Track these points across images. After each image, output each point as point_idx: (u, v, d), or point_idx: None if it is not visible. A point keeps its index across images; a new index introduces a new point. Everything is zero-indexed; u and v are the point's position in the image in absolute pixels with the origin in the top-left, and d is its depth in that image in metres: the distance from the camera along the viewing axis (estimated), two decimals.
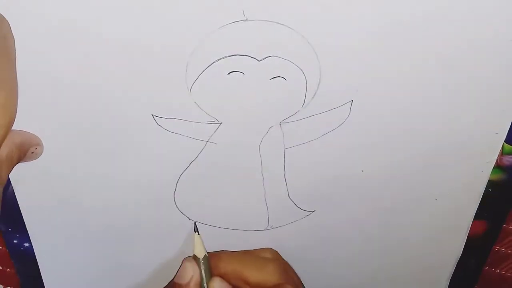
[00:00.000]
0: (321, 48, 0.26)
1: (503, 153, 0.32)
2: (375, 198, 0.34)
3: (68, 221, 0.32)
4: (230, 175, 0.31)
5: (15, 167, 0.25)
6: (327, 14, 0.25)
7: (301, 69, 0.26)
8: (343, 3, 0.24)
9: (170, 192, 0.31)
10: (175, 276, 0.30)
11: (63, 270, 0.35)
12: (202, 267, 0.30)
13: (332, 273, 0.38)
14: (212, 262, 0.30)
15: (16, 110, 0.22)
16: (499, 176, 0.33)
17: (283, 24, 0.25)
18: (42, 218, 0.32)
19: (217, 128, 0.29)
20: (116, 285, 0.37)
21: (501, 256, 0.39)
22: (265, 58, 0.26)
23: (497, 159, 0.32)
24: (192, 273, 0.29)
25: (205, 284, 0.30)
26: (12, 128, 0.22)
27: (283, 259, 0.34)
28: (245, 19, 0.24)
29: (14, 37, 0.23)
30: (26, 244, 0.33)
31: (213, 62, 0.26)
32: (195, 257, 0.30)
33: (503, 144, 0.31)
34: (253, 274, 0.31)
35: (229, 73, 0.26)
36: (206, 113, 0.28)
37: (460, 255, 0.37)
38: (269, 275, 0.31)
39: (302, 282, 0.34)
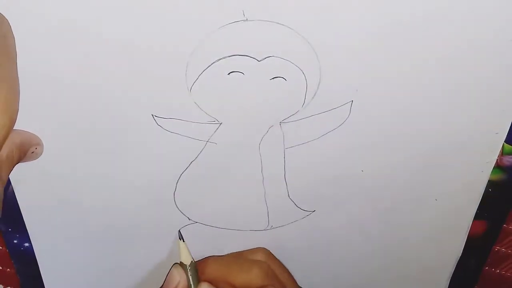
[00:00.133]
0: (321, 48, 0.26)
1: (503, 153, 0.32)
2: (375, 198, 0.34)
3: (68, 221, 0.32)
4: (230, 175, 0.31)
5: (15, 167, 0.25)
6: (327, 14, 0.25)
7: (301, 69, 0.26)
8: (343, 3, 0.24)
9: (170, 192, 0.31)
10: (163, 282, 0.31)
11: (63, 270, 0.35)
12: (189, 273, 0.30)
13: (332, 273, 0.38)
14: (199, 268, 0.31)
15: (18, 110, 0.22)
16: (499, 176, 0.33)
17: (283, 24, 0.25)
18: (42, 218, 0.32)
19: (217, 128, 0.29)
20: (116, 285, 0.37)
21: (501, 256, 0.39)
22: (265, 58, 0.26)
23: (497, 159, 0.32)
24: (178, 278, 0.30)
25: None
26: (13, 128, 0.22)
27: (275, 259, 0.34)
28: (245, 19, 0.24)
29: (14, 37, 0.23)
30: (26, 244, 0.33)
31: (213, 62, 0.26)
32: (181, 264, 0.31)
33: (503, 144, 0.31)
34: (238, 277, 0.31)
35: (229, 73, 0.26)
36: (206, 113, 0.28)
37: (460, 255, 0.37)
38: (254, 277, 0.31)
39: (302, 282, 0.34)
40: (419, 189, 0.34)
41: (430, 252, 0.38)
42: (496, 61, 0.28)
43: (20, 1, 0.23)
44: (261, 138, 0.30)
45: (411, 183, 0.33)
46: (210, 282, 0.31)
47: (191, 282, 0.30)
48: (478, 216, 0.35)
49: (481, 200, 0.34)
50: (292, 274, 0.35)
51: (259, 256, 0.34)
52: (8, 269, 0.36)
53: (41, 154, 0.27)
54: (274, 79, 0.27)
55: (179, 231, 0.32)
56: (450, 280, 0.39)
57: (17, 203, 0.30)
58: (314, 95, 0.28)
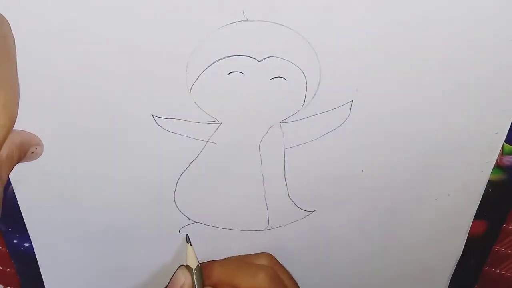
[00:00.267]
0: (321, 48, 0.26)
1: (503, 153, 0.32)
2: (375, 198, 0.34)
3: (68, 221, 0.32)
4: (230, 175, 0.31)
5: (15, 167, 0.25)
6: (327, 14, 0.25)
7: (301, 69, 0.26)
8: (343, 3, 0.24)
9: (170, 192, 0.31)
10: (168, 283, 0.31)
11: (63, 270, 0.35)
12: (195, 276, 0.30)
13: (332, 273, 0.38)
14: (204, 272, 0.31)
15: (17, 110, 0.22)
16: (499, 176, 0.33)
17: (283, 25, 0.25)
18: (42, 218, 0.32)
19: (217, 128, 0.29)
20: (116, 285, 0.37)
21: (501, 256, 0.39)
22: (265, 58, 0.26)
23: (497, 159, 0.32)
24: (184, 280, 0.30)
25: None
26: (13, 128, 0.22)
27: (279, 265, 0.34)
28: (245, 19, 0.24)
29: (14, 37, 0.23)
30: (26, 244, 0.33)
31: (213, 62, 0.26)
32: (188, 267, 0.31)
33: (503, 144, 0.31)
34: (244, 281, 0.31)
35: (229, 73, 0.26)
36: (206, 113, 0.28)
37: (460, 255, 0.37)
38: (260, 281, 0.31)
39: (302, 282, 0.34)
40: (419, 189, 0.34)
41: (430, 252, 0.38)
42: (496, 61, 0.28)
43: (20, 1, 0.23)
44: (261, 138, 0.30)
45: (411, 183, 0.33)
46: (214, 286, 0.31)
47: (196, 286, 0.30)
48: (478, 216, 0.35)
49: (481, 200, 0.34)
50: (292, 274, 0.35)
51: (263, 261, 0.34)
52: (8, 269, 0.36)
53: (41, 154, 0.27)
54: (274, 79, 0.27)
55: (187, 234, 0.32)
56: (450, 280, 0.39)
57: (17, 203, 0.30)
58: (314, 95, 0.28)
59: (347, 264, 0.38)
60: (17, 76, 0.23)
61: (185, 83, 0.26)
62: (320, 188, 0.33)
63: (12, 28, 0.23)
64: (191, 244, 0.32)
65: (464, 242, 0.37)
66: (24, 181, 0.29)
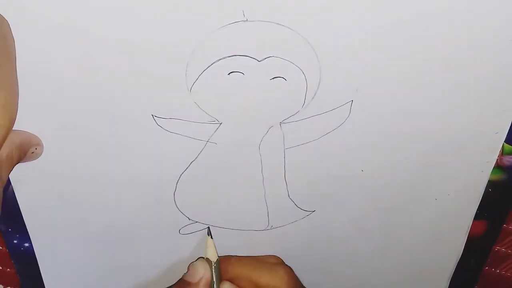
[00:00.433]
0: (321, 48, 0.26)
1: (503, 153, 0.32)
2: (375, 198, 0.34)
3: (68, 221, 0.32)
4: (230, 175, 0.31)
5: (15, 167, 0.25)
6: (327, 14, 0.25)
7: (301, 69, 0.26)
8: (343, 3, 0.24)
9: (170, 192, 0.31)
10: (185, 274, 0.30)
11: (63, 270, 0.35)
12: (214, 270, 0.30)
13: (332, 273, 0.38)
14: (222, 266, 0.31)
15: (17, 110, 0.22)
16: (499, 176, 0.33)
17: (283, 25, 0.25)
18: (42, 218, 0.32)
19: (217, 128, 0.29)
20: (116, 285, 0.37)
21: (501, 256, 0.39)
22: (265, 58, 0.26)
23: (497, 159, 0.32)
24: (203, 272, 0.30)
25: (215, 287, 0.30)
26: (12, 128, 0.22)
27: (288, 266, 0.34)
28: (245, 19, 0.24)
29: (14, 37, 0.23)
30: (26, 244, 0.33)
31: (213, 63, 0.26)
32: (207, 260, 0.30)
33: (503, 144, 0.31)
34: (263, 277, 0.31)
35: (229, 74, 0.26)
36: (206, 113, 0.28)
37: (460, 255, 0.37)
38: (279, 279, 0.31)
39: (302, 282, 0.34)
40: (419, 189, 0.34)
41: (430, 252, 0.38)
42: (496, 61, 0.28)
43: (20, 1, 0.23)
44: (261, 138, 0.30)
45: (411, 183, 0.33)
46: (232, 281, 0.31)
47: (214, 279, 0.30)
48: (478, 216, 0.35)
49: (481, 200, 0.34)
50: None
51: (275, 261, 0.33)
52: (8, 269, 0.36)
53: (41, 154, 0.27)
54: (274, 79, 0.27)
55: (208, 227, 0.32)
56: (450, 280, 0.39)
57: (17, 203, 0.30)
58: (314, 95, 0.28)
59: (347, 264, 0.38)
60: (17, 76, 0.23)
61: (185, 83, 0.26)
62: (320, 188, 0.33)
63: (12, 28, 0.23)
64: (212, 237, 0.31)
65: (464, 242, 0.37)
66: (24, 181, 0.29)
